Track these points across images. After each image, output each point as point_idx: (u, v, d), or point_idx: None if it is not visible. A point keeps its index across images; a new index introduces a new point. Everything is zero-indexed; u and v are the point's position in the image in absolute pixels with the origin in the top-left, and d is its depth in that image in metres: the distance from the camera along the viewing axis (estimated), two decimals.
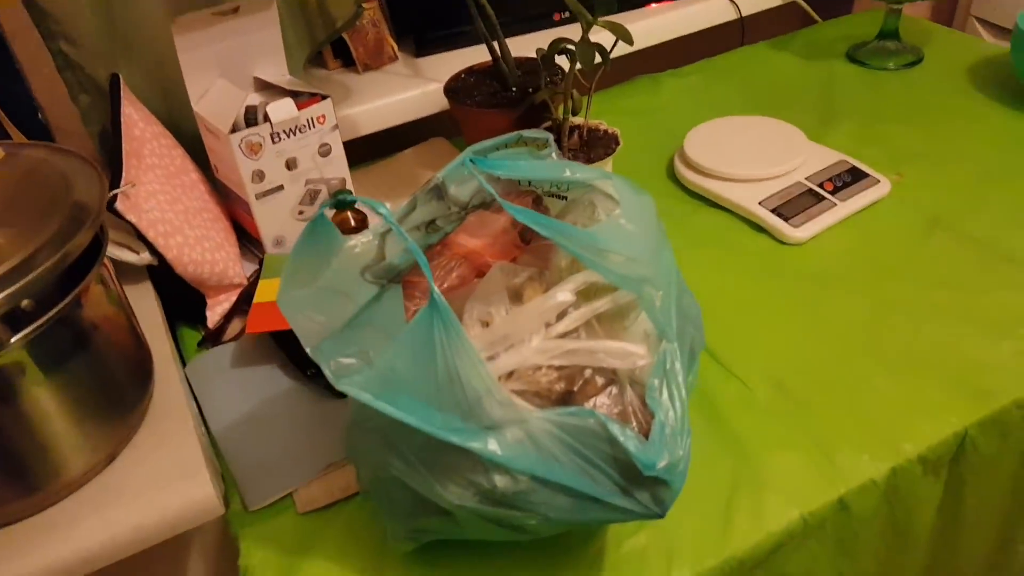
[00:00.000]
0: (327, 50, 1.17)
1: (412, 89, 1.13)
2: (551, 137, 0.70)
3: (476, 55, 1.16)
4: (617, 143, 0.96)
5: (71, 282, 0.58)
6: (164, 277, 0.85)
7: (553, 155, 0.68)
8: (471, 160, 0.59)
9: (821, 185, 0.96)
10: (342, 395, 0.79)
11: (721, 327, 0.80)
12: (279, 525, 0.68)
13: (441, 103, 1.14)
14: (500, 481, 0.52)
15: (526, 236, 0.72)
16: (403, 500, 0.59)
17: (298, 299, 0.55)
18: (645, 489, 0.53)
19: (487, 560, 0.64)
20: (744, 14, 1.28)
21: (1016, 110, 1.10)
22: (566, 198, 0.75)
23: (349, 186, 0.97)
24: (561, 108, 0.94)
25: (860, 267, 0.87)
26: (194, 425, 0.69)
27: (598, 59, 0.87)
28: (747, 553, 0.64)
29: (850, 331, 0.80)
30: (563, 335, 0.54)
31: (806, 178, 0.97)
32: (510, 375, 0.54)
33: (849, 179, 0.96)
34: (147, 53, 0.95)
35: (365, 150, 1.14)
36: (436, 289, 0.50)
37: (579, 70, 0.90)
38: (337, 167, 0.95)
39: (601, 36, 0.86)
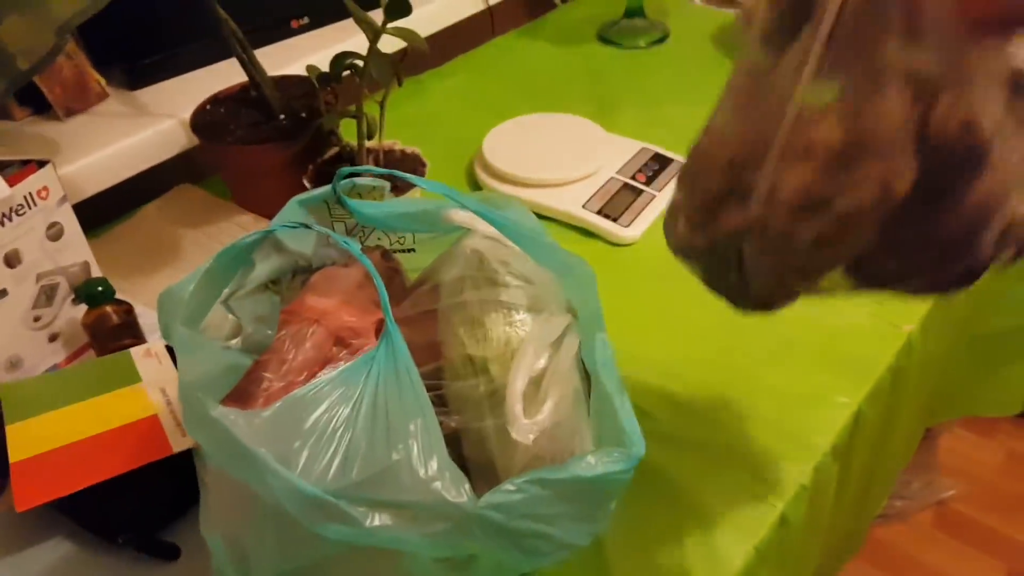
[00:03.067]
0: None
1: (139, 131, 0.91)
2: (388, 186, 0.58)
3: (203, 81, 0.97)
4: (423, 164, 0.84)
5: None
6: None
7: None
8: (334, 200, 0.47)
9: (634, 177, 0.91)
10: (172, 555, 0.60)
11: None
12: None
13: (180, 143, 0.93)
14: None
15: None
16: None
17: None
18: None
19: None
20: (492, 2, 1.20)
21: None
22: (414, 250, 0.63)
23: (95, 272, 0.75)
24: (349, 133, 0.80)
25: None
26: None
27: None
28: None
29: (719, 327, 0.75)
30: None
31: (617, 172, 0.92)
32: None
33: (657, 167, 0.93)
34: None
35: (89, 213, 0.90)
36: (389, 311, 0.38)
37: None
38: (75, 250, 0.73)
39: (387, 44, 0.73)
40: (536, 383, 0.47)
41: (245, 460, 0.38)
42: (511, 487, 0.40)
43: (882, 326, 0.76)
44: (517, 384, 0.46)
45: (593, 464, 0.42)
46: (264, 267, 0.49)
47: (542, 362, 0.48)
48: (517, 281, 0.51)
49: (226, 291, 0.47)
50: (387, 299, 0.42)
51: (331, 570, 0.42)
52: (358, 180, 0.56)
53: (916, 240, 0.36)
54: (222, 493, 0.44)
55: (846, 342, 0.74)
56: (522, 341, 0.49)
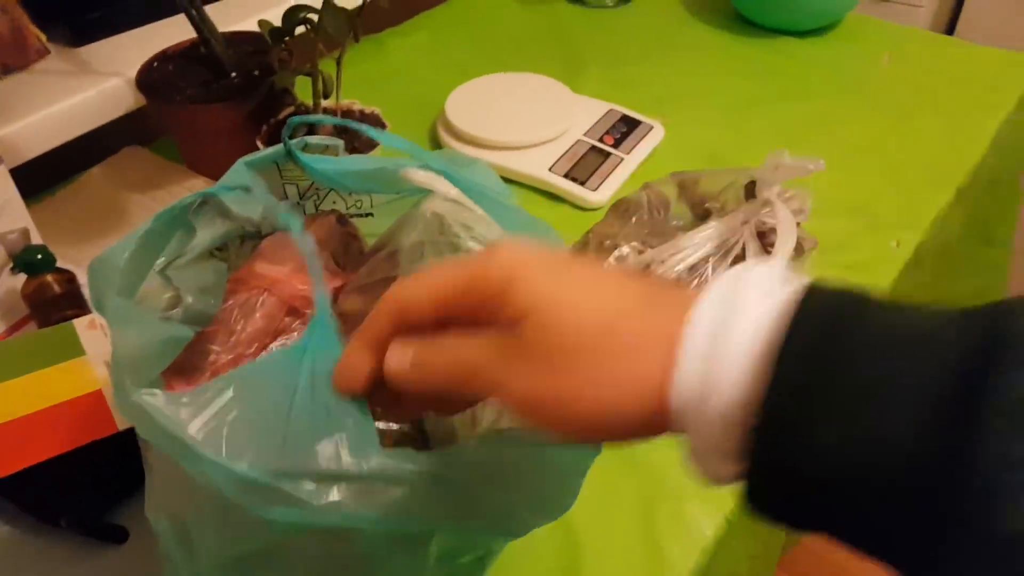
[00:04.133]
0: None
1: (83, 90, 0.86)
2: (342, 144, 0.54)
3: (150, 37, 0.92)
4: (383, 124, 0.80)
5: None
6: None
7: None
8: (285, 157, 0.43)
9: (601, 140, 0.89)
10: (119, 538, 0.57)
11: None
12: None
13: (127, 103, 0.88)
14: None
15: (339, 259, 0.57)
16: None
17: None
18: None
19: None
20: None
21: (736, 35, 1.12)
22: (372, 215, 0.60)
23: (36, 238, 0.71)
24: (305, 92, 0.76)
25: None
26: None
27: None
28: None
29: None
30: None
31: (584, 134, 0.89)
32: None
33: (625, 129, 0.91)
34: None
35: (31, 177, 0.86)
36: (323, 290, 0.34)
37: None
38: (13, 215, 0.69)
39: None
40: None
41: (175, 445, 0.35)
42: (472, 443, 0.38)
43: None
44: None
45: None
46: (207, 233, 0.46)
47: None
48: (480, 246, 0.48)
49: (161, 260, 0.43)
50: (321, 280, 0.36)
51: (283, 555, 0.39)
52: (310, 139, 0.53)
53: None
54: (165, 474, 0.41)
55: None
56: None
